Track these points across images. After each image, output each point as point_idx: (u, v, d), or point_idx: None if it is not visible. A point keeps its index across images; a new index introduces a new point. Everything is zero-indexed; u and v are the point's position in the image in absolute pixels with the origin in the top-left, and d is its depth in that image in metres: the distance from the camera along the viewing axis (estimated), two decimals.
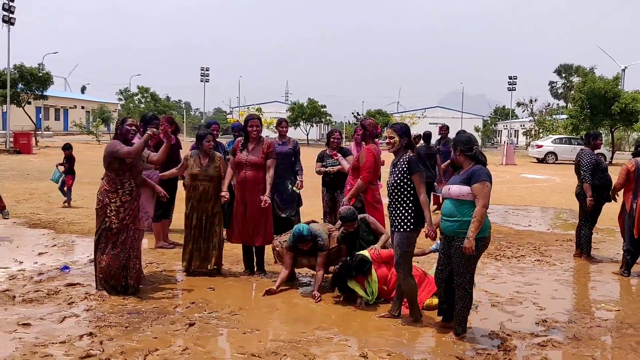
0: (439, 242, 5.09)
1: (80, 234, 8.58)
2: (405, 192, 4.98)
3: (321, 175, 7.81)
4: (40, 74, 37.54)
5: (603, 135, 42.82)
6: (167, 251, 7.62)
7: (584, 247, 7.93)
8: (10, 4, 28.25)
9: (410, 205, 4.97)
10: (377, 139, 6.88)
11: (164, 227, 7.92)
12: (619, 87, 34.24)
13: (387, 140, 5.16)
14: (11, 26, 28.32)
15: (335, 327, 5.00)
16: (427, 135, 11.28)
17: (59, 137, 42.39)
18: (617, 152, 39.09)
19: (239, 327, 4.90)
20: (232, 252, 7.18)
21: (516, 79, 58.78)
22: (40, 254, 7.31)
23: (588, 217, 7.87)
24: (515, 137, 67.62)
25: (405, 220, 4.96)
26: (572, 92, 40.22)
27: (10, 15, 28.13)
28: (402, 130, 5.11)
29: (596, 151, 7.87)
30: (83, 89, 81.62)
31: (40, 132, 39.31)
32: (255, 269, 6.65)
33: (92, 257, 7.01)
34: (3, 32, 28.25)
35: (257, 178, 6.36)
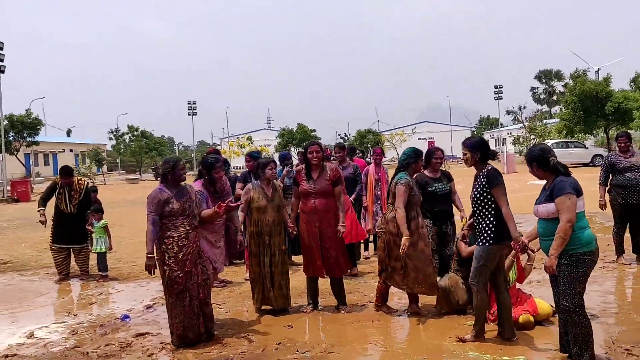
0: None
1: (121, 280, 8.24)
2: (486, 206, 4.82)
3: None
4: (30, 120, 37.33)
5: (599, 136, 43.26)
6: (220, 290, 7.30)
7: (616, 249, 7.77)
8: (0, 52, 27.90)
9: (492, 219, 4.79)
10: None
11: None
12: (610, 87, 34.54)
13: (463, 157, 5.11)
14: (1, 74, 27.94)
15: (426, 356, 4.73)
16: None
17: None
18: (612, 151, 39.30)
19: None
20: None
21: (502, 87, 59.45)
22: (90, 304, 6.97)
23: (615, 219, 7.77)
24: (504, 145, 67.86)
25: (485, 235, 4.80)
26: (562, 95, 40.55)
27: (0, 64, 27.75)
28: (472, 144, 5.01)
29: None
30: (69, 132, 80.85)
31: (31, 179, 38.71)
32: (315, 304, 6.24)
33: (146, 303, 6.74)
34: None
35: (327, 206, 5.99)
